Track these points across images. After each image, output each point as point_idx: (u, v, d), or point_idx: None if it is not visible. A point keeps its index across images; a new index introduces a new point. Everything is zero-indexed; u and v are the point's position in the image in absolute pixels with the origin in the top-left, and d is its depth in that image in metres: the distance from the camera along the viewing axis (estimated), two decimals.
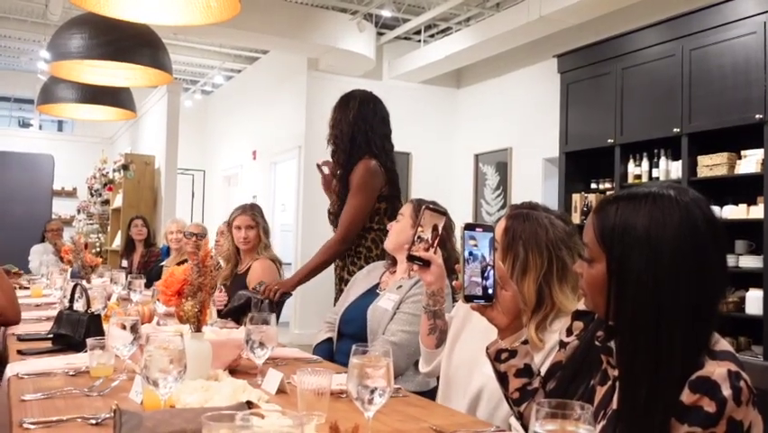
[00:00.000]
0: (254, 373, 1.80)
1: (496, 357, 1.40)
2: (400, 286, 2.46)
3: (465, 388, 1.80)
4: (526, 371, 1.38)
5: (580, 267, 1.22)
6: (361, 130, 3.10)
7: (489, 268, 1.36)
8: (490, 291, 1.36)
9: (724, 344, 1.12)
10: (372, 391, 1.21)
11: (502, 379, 1.40)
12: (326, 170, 3.22)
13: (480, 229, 1.37)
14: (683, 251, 1.08)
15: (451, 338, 1.92)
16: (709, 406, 1.03)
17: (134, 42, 3.57)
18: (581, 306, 1.39)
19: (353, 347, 1.25)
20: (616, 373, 1.17)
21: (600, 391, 1.21)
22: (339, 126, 3.13)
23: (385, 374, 1.23)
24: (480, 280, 1.35)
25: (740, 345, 4.50)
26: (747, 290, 4.46)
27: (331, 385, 1.44)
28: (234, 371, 1.87)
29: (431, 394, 2.04)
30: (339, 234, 3.06)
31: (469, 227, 1.36)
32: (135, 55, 3.62)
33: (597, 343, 1.21)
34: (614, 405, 1.15)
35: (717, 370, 1.05)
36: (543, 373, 1.43)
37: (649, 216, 1.10)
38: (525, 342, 1.40)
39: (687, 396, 1.05)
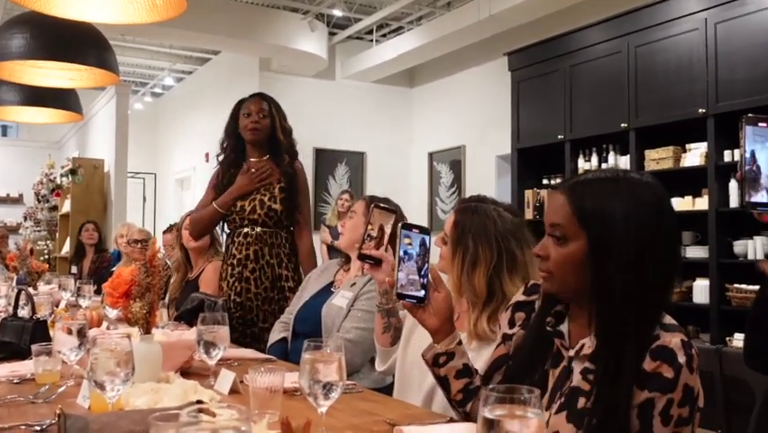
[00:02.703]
0: (207, 375, 1.78)
1: (434, 362, 1.39)
2: (354, 283, 2.46)
3: (420, 384, 1.80)
4: (466, 371, 1.38)
5: (541, 249, 1.23)
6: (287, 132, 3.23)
7: (424, 268, 1.36)
8: (423, 293, 1.36)
9: (670, 318, 1.19)
10: (325, 386, 1.21)
11: (443, 383, 1.40)
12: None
13: (417, 230, 1.38)
14: (656, 222, 1.17)
15: (405, 335, 1.92)
16: (668, 372, 1.10)
17: (78, 42, 3.48)
18: (520, 296, 1.41)
19: (305, 343, 1.24)
20: (570, 353, 1.22)
21: (554, 374, 1.24)
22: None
23: (337, 369, 1.22)
24: (415, 278, 1.36)
25: (688, 333, 4.61)
26: (694, 280, 4.59)
27: (284, 383, 1.42)
28: (186, 373, 1.84)
29: (387, 391, 2.04)
30: (310, 234, 3.24)
31: (405, 227, 1.38)
32: (80, 55, 3.52)
33: (548, 328, 1.25)
34: (573, 383, 1.20)
35: (672, 340, 1.13)
36: (487, 368, 1.42)
37: (627, 193, 1.17)
38: (460, 343, 1.40)
39: (648, 363, 1.12)
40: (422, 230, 1.38)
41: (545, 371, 1.26)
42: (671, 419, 1.10)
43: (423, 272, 1.36)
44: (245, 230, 3.08)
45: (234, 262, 3.08)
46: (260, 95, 3.26)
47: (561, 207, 1.20)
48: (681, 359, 1.10)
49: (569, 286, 1.21)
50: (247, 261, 3.05)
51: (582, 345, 1.21)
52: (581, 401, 1.17)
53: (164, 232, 4.69)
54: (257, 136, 3.13)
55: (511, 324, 1.41)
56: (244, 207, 3.09)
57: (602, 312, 1.18)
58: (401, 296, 1.36)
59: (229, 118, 3.22)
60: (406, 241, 1.36)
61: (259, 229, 3.07)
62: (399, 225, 1.38)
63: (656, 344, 1.12)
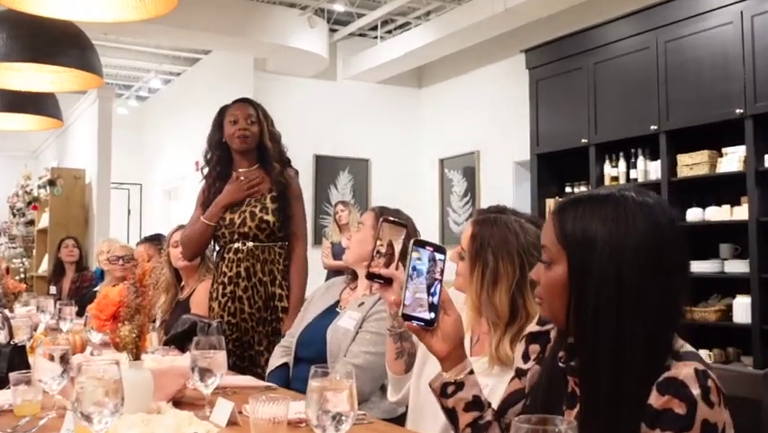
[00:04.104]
0: (202, 405, 1.77)
1: (441, 392, 1.39)
2: (362, 303, 2.46)
3: (436, 414, 1.78)
4: (476, 403, 1.37)
5: (536, 273, 1.26)
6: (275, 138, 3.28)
7: (433, 288, 1.37)
8: (432, 315, 1.36)
9: (688, 347, 1.18)
10: (334, 417, 1.20)
11: (450, 415, 1.39)
12: None
13: (431, 249, 1.39)
14: (646, 250, 1.15)
15: (419, 359, 1.92)
16: (680, 408, 1.08)
17: (59, 42, 3.49)
18: (534, 327, 1.42)
19: (312, 369, 1.24)
20: None
21: (570, 415, 1.23)
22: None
23: (348, 398, 1.22)
24: (423, 298, 1.36)
25: (728, 356, 4.59)
26: (734, 297, 4.57)
27: (288, 414, 1.42)
28: (179, 402, 1.84)
29: (399, 421, 2.03)
30: (304, 248, 3.21)
31: (418, 243, 1.39)
32: (60, 56, 3.54)
33: (560, 364, 1.24)
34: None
35: (683, 370, 1.11)
36: (500, 403, 1.42)
37: (613, 215, 1.17)
38: (472, 372, 1.39)
39: (655, 399, 1.10)
40: (436, 248, 1.40)
41: (563, 412, 1.25)
42: None
43: (432, 292, 1.37)
44: (236, 245, 3.10)
45: (225, 280, 3.09)
46: (244, 100, 3.29)
47: (548, 227, 1.23)
48: (695, 391, 1.08)
49: (557, 313, 1.22)
50: (239, 278, 3.07)
51: None
52: None
53: (138, 243, 4.68)
54: (246, 145, 3.16)
55: (525, 357, 1.41)
56: (234, 221, 3.11)
57: (581, 342, 1.18)
58: (407, 317, 1.36)
59: (212, 128, 3.24)
60: (416, 257, 1.37)
61: (250, 244, 3.09)
62: (411, 241, 1.39)
63: (664, 376, 1.11)
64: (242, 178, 3.16)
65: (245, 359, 3.01)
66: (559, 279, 1.20)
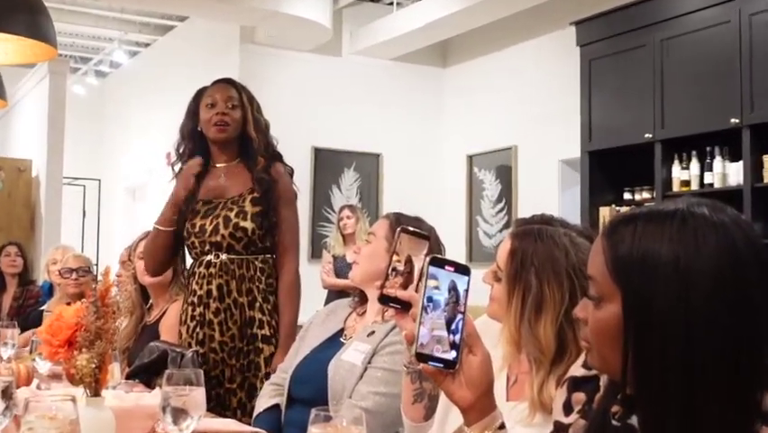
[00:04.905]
0: None
1: None
2: (372, 332, 2.46)
3: None
4: None
5: (582, 310, 1.23)
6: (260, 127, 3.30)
7: (456, 321, 1.35)
8: (454, 354, 1.35)
9: None
10: None
11: None
12: None
13: (452, 268, 1.37)
14: (721, 283, 1.11)
15: (442, 403, 1.92)
16: None
17: (4, 4, 3.54)
18: (578, 369, 1.39)
19: (313, 413, 1.25)
20: None
21: None
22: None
23: None
24: (443, 335, 1.34)
25: None
26: None
27: None
28: None
29: None
30: (295, 262, 3.20)
31: (436, 262, 1.37)
32: (5, 21, 3.57)
33: (614, 422, 1.21)
34: None
35: None
36: None
37: (678, 239, 1.13)
38: (502, 426, 1.37)
39: None
40: (458, 268, 1.38)
41: None
42: None
43: (454, 327, 1.35)
44: (208, 258, 3.11)
45: (195, 300, 3.10)
46: (225, 80, 3.31)
47: (597, 254, 1.20)
48: None
49: (609, 363, 1.19)
50: (209, 298, 3.07)
51: None
52: None
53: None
54: (225, 134, 3.17)
55: (567, 408, 1.38)
56: (204, 227, 3.12)
57: (641, 404, 1.15)
58: (422, 357, 1.34)
59: (186, 115, 3.27)
60: (433, 284, 1.36)
61: (224, 256, 3.09)
62: (427, 259, 1.38)
63: None
64: (187, 166, 3.19)
65: (211, 398, 3.01)
66: (611, 319, 1.16)
